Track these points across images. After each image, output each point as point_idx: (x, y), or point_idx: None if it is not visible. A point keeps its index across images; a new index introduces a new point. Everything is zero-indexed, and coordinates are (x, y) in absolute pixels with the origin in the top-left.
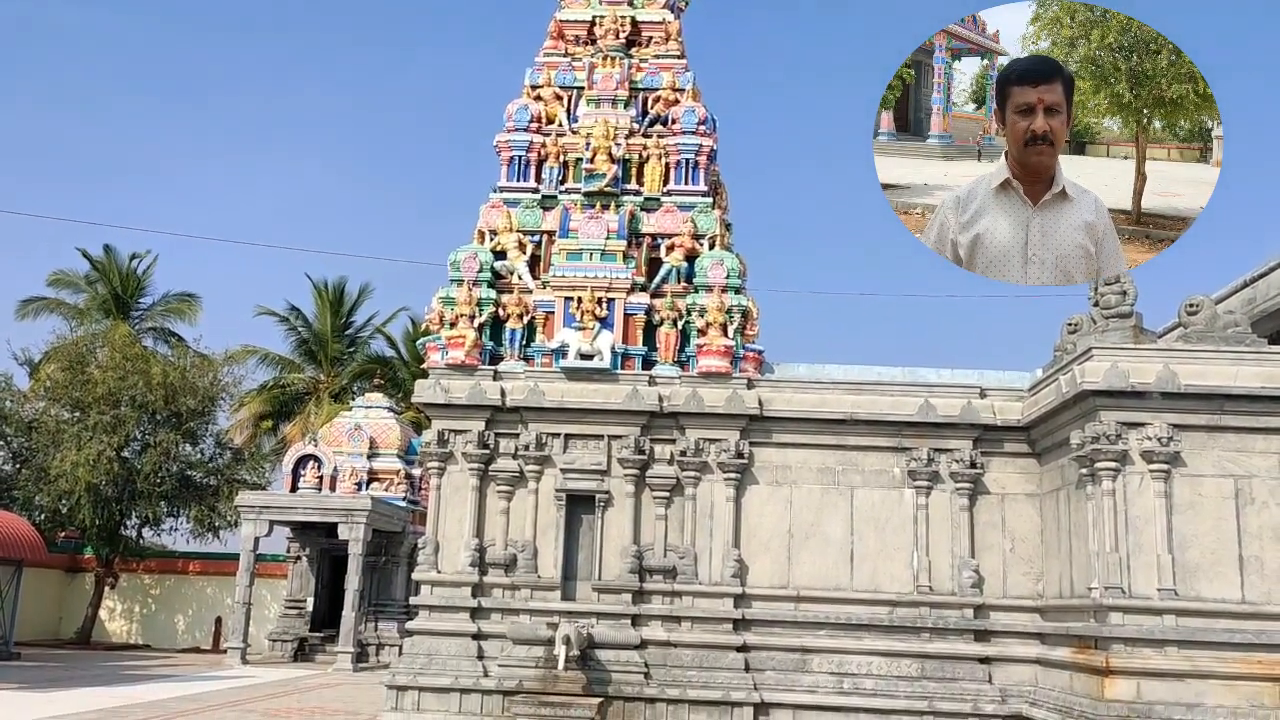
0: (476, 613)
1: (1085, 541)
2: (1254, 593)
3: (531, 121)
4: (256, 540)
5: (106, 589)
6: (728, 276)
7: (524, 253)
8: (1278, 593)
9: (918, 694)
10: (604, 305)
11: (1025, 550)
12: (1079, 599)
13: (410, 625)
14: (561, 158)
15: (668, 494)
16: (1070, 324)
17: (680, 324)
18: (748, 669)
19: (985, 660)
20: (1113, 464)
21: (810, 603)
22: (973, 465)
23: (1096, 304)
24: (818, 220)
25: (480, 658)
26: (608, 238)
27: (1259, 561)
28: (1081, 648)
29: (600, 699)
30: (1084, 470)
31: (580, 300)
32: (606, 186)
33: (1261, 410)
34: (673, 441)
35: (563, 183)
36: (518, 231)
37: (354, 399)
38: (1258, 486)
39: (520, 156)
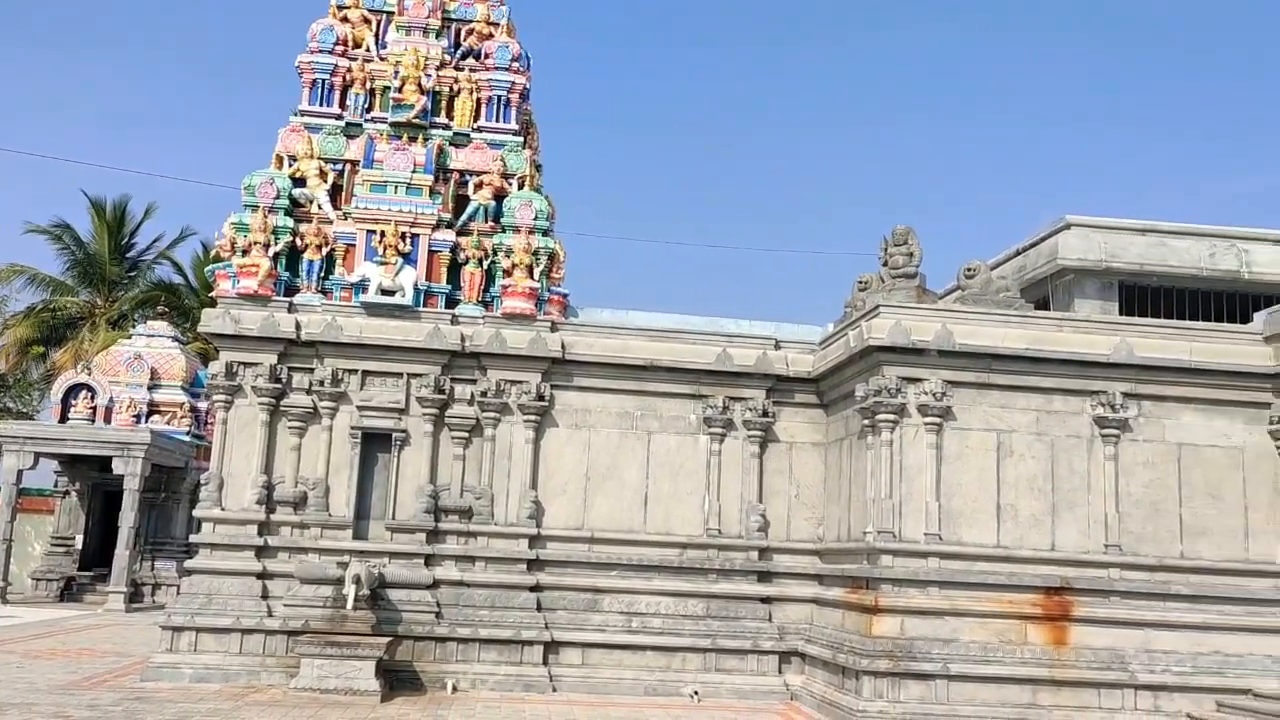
0: (262, 551)
1: (864, 488)
2: (1008, 538)
3: (337, 44)
4: (19, 473)
5: None
6: (536, 218)
7: (325, 181)
8: (1029, 538)
9: (702, 632)
10: (408, 240)
11: (809, 496)
12: (855, 542)
13: (190, 564)
14: (368, 85)
15: (467, 434)
16: (861, 282)
17: (486, 264)
18: (540, 608)
19: (767, 600)
20: (892, 416)
21: (604, 544)
22: (765, 414)
23: (885, 264)
24: (628, 167)
25: (265, 597)
26: (414, 171)
27: (1014, 509)
28: (854, 588)
29: (390, 638)
30: (866, 421)
31: (383, 234)
32: (415, 118)
33: (1024, 370)
34: (474, 382)
35: (369, 111)
36: (319, 159)
37: (135, 326)
38: (1017, 441)
39: (324, 80)
